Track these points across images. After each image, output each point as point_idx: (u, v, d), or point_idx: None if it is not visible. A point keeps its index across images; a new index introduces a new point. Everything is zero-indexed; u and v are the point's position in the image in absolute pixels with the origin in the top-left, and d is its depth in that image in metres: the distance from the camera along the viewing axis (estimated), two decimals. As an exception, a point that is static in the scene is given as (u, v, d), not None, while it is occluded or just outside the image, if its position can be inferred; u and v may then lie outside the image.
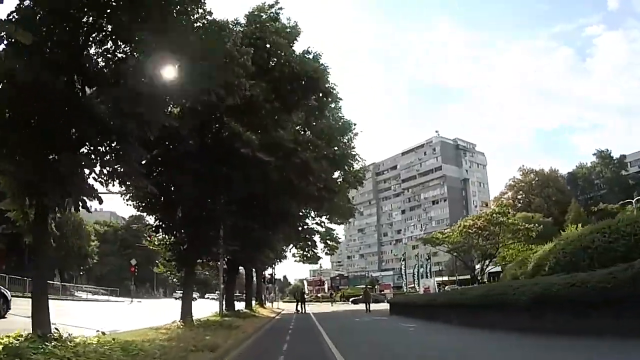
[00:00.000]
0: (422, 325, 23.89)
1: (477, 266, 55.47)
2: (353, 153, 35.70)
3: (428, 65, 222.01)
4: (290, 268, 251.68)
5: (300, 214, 35.65)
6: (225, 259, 28.93)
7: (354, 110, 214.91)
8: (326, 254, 57.83)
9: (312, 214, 49.45)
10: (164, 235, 24.25)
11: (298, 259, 57.24)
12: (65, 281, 66.41)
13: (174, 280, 43.12)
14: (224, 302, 30.74)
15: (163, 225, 22.80)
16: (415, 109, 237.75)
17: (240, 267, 40.20)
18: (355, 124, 35.90)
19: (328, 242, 55.08)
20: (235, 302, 36.72)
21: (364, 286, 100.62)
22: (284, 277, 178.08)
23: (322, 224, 53.39)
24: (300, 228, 47.27)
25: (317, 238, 54.30)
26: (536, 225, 50.33)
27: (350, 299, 79.66)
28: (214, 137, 21.57)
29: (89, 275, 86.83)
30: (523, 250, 43.94)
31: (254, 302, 45.85)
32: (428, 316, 25.91)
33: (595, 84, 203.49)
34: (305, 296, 56.30)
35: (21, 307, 16.92)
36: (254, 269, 48.36)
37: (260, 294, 56.38)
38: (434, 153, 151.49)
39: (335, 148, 32.49)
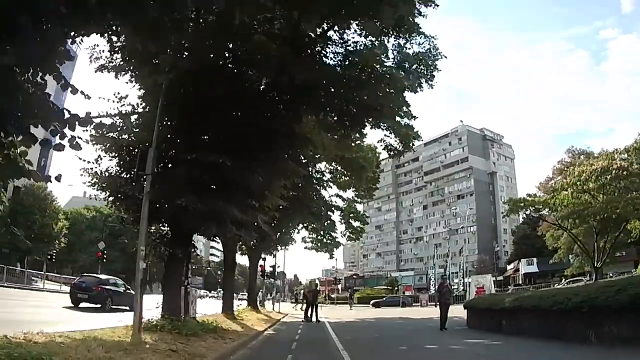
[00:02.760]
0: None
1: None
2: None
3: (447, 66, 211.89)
4: (301, 266, 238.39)
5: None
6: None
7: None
8: (349, 238, 43.55)
9: (329, 178, 35.93)
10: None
11: (310, 245, 43.07)
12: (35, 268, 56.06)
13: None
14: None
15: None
16: (437, 103, 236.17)
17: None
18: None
19: (352, 221, 41.20)
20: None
21: (387, 286, 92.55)
22: (295, 276, 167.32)
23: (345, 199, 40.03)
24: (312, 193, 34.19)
25: (336, 217, 40.50)
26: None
27: (371, 302, 68.17)
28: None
29: (74, 265, 76.46)
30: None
31: (235, 306, 31.07)
32: (539, 329, 15.36)
33: (610, 88, 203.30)
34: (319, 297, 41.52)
35: None
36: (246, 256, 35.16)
37: (255, 292, 41.39)
38: (460, 143, 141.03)
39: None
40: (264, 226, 22.55)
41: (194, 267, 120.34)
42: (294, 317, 37.50)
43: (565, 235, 47.80)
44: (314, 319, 30.21)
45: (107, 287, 28.21)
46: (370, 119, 19.23)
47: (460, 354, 13.59)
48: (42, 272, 50.46)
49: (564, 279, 65.30)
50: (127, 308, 25.44)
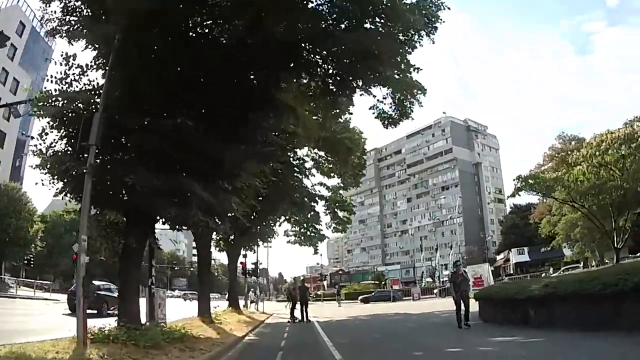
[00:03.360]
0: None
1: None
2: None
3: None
4: (285, 264, 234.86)
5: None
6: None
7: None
8: (335, 230, 40.29)
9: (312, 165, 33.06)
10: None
11: (293, 238, 39.62)
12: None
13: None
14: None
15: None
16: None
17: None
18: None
19: (337, 211, 38.06)
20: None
21: (374, 281, 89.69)
22: (279, 274, 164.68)
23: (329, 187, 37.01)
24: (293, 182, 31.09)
25: (320, 207, 37.36)
26: None
27: (360, 298, 65.34)
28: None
29: (55, 270, 74.31)
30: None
31: (211, 308, 27.22)
32: (580, 319, 12.69)
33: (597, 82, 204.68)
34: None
35: None
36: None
37: (236, 292, 37.83)
38: (444, 134, 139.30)
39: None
40: (240, 216, 19.44)
41: (176, 268, 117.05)
42: (279, 317, 34.22)
43: (564, 220, 45.24)
44: (299, 317, 27.15)
45: (102, 292, 28.05)
46: (361, 79, 16.02)
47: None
48: (18, 278, 48.57)
49: (552, 268, 63.01)
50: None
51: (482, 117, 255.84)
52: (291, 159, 31.73)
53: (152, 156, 12.16)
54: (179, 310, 27.05)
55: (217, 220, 15.71)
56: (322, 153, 32.93)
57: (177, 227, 15.13)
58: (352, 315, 33.44)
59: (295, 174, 32.28)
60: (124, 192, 12.93)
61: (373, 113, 18.70)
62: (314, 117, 25.15)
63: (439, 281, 74.68)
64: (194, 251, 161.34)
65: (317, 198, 36.12)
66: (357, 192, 72.16)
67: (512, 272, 78.32)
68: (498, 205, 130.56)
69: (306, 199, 35.21)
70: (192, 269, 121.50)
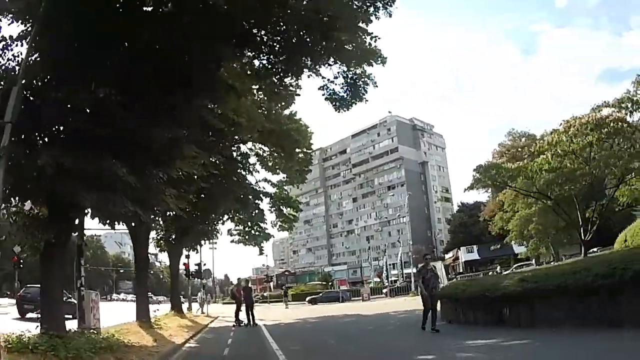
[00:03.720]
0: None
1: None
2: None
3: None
4: (230, 266, 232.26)
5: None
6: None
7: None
8: (280, 228, 38.51)
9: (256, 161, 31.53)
10: None
11: (237, 237, 37.69)
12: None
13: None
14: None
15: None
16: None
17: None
18: None
19: (283, 208, 36.43)
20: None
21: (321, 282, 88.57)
22: (225, 275, 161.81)
23: (274, 183, 35.41)
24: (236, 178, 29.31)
25: (265, 205, 35.71)
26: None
27: (307, 299, 63.73)
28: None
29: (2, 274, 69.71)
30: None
31: (150, 311, 25.00)
32: (568, 315, 11.41)
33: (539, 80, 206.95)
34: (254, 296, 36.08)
35: None
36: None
37: (178, 294, 35.69)
38: (389, 133, 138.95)
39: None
40: (180, 212, 17.66)
41: (122, 270, 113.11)
42: (224, 320, 32.31)
43: (517, 216, 44.93)
44: (244, 320, 25.35)
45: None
46: (310, 57, 14.45)
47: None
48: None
49: (499, 267, 63.15)
50: (71, 316, 23.81)
51: (427, 116, 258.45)
52: (234, 153, 30.15)
53: (71, 134, 10.42)
54: (121, 314, 24.88)
55: (152, 214, 13.95)
56: (266, 148, 31.39)
57: (106, 221, 13.10)
58: (301, 317, 31.70)
59: (238, 170, 30.54)
60: (39, 176, 11.05)
61: (323, 94, 17.08)
62: (259, 111, 23.68)
63: (387, 281, 73.89)
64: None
65: (261, 195, 34.43)
66: (302, 192, 71.13)
67: (461, 270, 78.70)
68: (445, 204, 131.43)
69: (250, 197, 33.54)
70: (152, 271, 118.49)
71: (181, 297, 41.65)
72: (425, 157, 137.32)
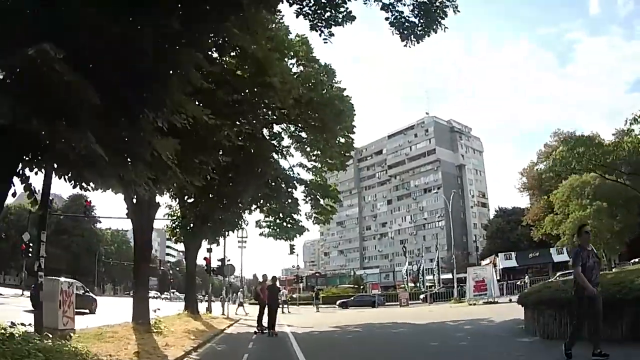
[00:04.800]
0: None
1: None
2: None
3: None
4: (259, 266, 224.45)
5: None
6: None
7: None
8: (316, 221, 34.07)
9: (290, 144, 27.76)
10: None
11: (267, 231, 32.79)
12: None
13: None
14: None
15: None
16: (403, 97, 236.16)
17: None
18: None
19: (319, 198, 31.94)
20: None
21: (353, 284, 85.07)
22: (254, 275, 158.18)
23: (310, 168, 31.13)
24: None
25: (299, 193, 31.36)
26: None
27: (338, 302, 59.97)
28: None
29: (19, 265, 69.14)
30: None
31: (146, 311, 19.67)
32: None
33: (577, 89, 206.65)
34: (281, 297, 31.51)
35: None
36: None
37: (193, 291, 31.07)
38: (427, 134, 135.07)
39: None
40: (184, 183, 12.78)
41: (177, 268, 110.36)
42: (245, 324, 27.78)
43: (571, 219, 40.85)
44: (272, 330, 20.47)
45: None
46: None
47: None
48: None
49: (527, 276, 58.07)
50: (87, 311, 25.44)
51: (466, 118, 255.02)
52: (267, 131, 26.20)
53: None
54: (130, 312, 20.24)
55: (143, 176, 9.27)
56: (302, 126, 27.21)
57: (67, 172, 8.36)
58: (337, 324, 26.14)
59: (269, 150, 26.23)
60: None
61: (387, 18, 12.59)
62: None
63: (423, 286, 69.24)
64: (167, 250, 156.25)
65: (295, 182, 30.07)
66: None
67: (499, 277, 74.26)
68: (481, 209, 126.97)
69: (283, 184, 29.34)
70: (162, 268, 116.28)
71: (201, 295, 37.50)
72: (462, 160, 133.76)
